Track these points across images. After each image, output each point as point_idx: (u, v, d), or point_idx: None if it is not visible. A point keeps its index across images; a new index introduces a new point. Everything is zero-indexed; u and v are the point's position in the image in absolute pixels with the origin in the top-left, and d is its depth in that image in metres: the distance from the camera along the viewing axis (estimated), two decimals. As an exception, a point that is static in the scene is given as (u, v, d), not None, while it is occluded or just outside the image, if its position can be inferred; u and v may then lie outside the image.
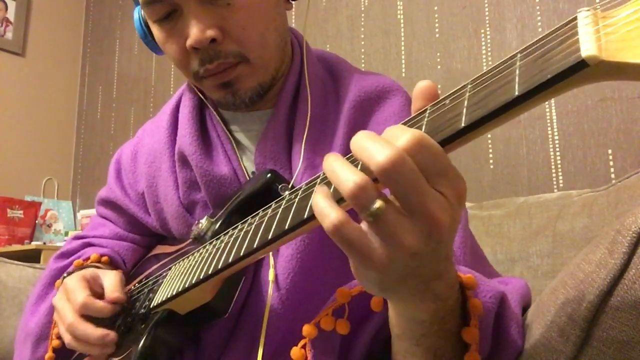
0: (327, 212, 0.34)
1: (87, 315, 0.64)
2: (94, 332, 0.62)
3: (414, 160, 0.32)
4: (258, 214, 0.48)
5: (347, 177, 0.33)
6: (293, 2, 0.74)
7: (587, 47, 0.27)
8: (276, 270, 0.62)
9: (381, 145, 0.32)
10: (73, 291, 0.65)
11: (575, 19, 0.30)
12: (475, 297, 0.46)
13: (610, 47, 0.27)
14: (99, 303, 0.65)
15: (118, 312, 0.67)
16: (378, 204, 0.32)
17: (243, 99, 0.68)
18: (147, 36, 0.72)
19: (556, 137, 1.30)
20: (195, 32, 0.61)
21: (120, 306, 0.66)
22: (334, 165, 0.34)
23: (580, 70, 0.28)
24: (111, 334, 0.62)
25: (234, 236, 0.52)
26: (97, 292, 0.68)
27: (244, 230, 0.50)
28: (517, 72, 0.31)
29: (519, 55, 0.32)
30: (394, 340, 0.47)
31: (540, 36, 0.32)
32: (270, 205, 0.47)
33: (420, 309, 0.41)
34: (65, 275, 0.73)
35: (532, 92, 0.29)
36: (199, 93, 0.75)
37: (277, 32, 0.68)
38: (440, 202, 0.33)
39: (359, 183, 0.32)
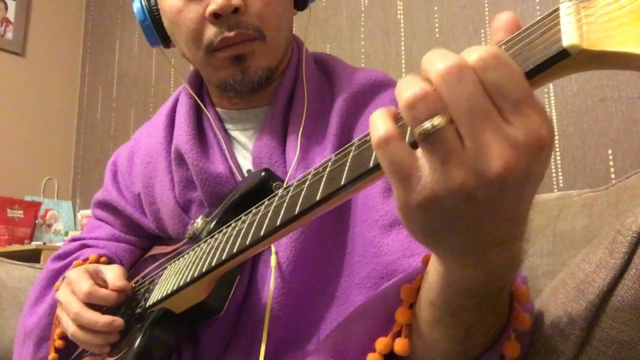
0: (378, 125, 0.31)
1: (92, 306, 0.65)
2: (101, 318, 0.63)
3: (486, 78, 0.28)
4: (251, 211, 0.49)
5: (407, 86, 0.29)
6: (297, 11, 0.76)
7: (569, 37, 0.27)
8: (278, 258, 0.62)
9: (446, 53, 0.30)
10: (77, 282, 0.66)
11: (557, 9, 0.30)
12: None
13: (591, 36, 0.27)
14: (104, 291, 0.66)
15: (121, 303, 0.68)
16: (437, 120, 0.28)
17: (252, 79, 0.67)
18: (147, 20, 0.72)
19: (556, 137, 1.30)
20: None
21: (125, 295, 0.67)
22: (400, 81, 0.31)
23: (562, 60, 0.28)
24: (118, 320, 0.63)
25: (227, 234, 0.52)
26: (99, 285, 0.69)
27: (237, 228, 0.50)
28: None
29: (503, 47, 0.32)
30: (423, 306, 0.42)
31: (524, 27, 0.31)
32: (264, 202, 0.47)
33: (468, 276, 0.36)
34: (64, 276, 0.73)
35: None
36: (194, 95, 0.76)
37: (288, 23, 0.71)
38: (505, 135, 0.28)
39: (417, 92, 0.29)
